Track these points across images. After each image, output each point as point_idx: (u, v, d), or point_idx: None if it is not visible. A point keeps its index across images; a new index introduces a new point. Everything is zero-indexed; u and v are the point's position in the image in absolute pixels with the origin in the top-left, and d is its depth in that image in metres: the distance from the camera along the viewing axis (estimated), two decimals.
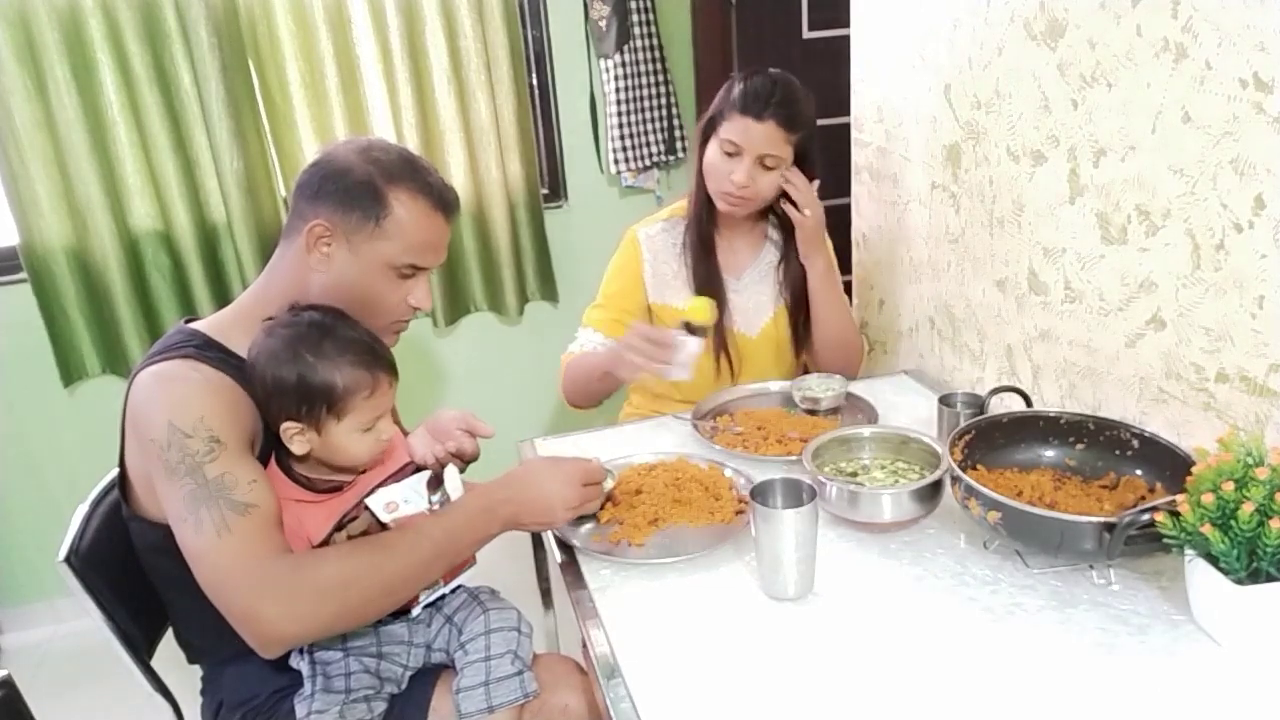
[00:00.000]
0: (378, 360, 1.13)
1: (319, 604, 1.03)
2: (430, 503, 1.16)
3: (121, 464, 1.19)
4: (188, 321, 1.22)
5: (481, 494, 1.17)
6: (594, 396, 1.70)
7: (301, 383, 1.07)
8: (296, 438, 1.10)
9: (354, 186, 1.16)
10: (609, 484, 1.33)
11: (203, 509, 1.02)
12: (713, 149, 1.64)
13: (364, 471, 1.18)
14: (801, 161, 1.64)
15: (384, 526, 1.12)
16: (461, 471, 1.25)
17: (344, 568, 1.05)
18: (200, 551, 1.03)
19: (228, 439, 1.06)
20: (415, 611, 1.20)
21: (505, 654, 1.15)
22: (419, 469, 1.24)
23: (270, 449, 1.15)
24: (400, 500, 1.14)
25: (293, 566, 1.03)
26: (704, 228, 1.72)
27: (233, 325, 1.19)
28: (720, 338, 1.74)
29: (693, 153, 1.72)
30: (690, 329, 1.44)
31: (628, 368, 1.49)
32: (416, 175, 1.20)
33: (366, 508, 1.13)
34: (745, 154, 1.60)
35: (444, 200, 1.22)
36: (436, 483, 1.19)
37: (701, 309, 1.45)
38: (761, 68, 1.64)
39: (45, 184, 2.22)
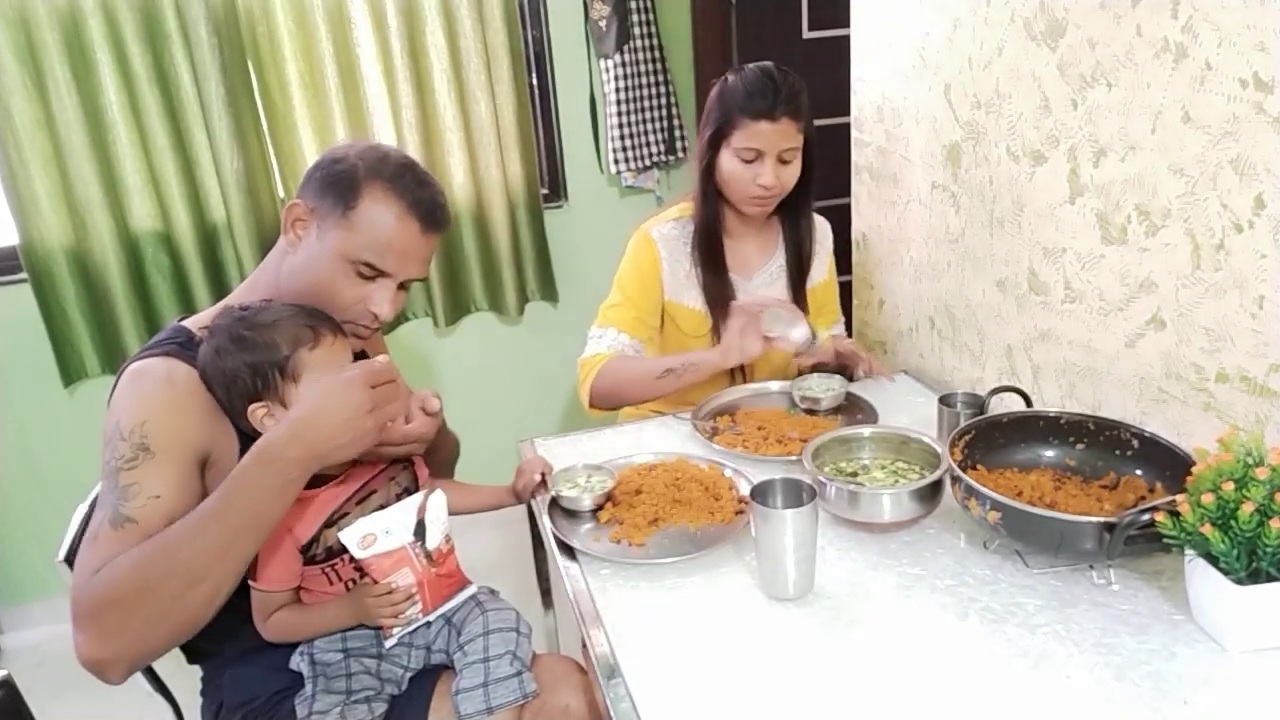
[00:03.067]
0: (312, 316, 1.13)
1: (124, 617, 0.97)
2: (414, 535, 1.12)
3: None
4: (182, 319, 1.22)
5: (262, 448, 1.00)
6: (636, 398, 1.69)
7: (249, 361, 1.08)
8: (266, 419, 1.09)
9: (337, 174, 1.17)
10: (609, 483, 1.32)
11: (97, 513, 1.02)
12: (728, 159, 1.63)
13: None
14: (807, 145, 1.65)
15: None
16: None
17: (134, 575, 0.98)
18: (77, 559, 1.02)
19: (160, 448, 1.05)
20: (389, 644, 1.17)
21: (504, 655, 1.15)
22: (411, 468, 1.24)
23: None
24: (380, 532, 1.10)
25: (91, 585, 0.98)
26: (713, 236, 1.72)
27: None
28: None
29: (693, 159, 1.72)
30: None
31: (743, 349, 1.55)
32: (402, 178, 1.17)
33: (340, 541, 1.09)
34: (766, 155, 1.60)
35: (424, 210, 1.18)
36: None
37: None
38: (747, 66, 1.64)
39: (45, 184, 2.22)
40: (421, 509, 1.14)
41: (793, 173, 1.65)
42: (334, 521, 1.12)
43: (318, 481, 1.13)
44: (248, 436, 1.13)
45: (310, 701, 1.12)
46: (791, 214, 1.78)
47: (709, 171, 1.68)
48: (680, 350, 1.77)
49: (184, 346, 1.15)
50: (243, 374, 1.08)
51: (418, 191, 1.18)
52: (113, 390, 1.13)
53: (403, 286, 1.22)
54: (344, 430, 1.00)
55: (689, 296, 1.75)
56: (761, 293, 1.79)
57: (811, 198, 1.76)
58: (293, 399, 1.08)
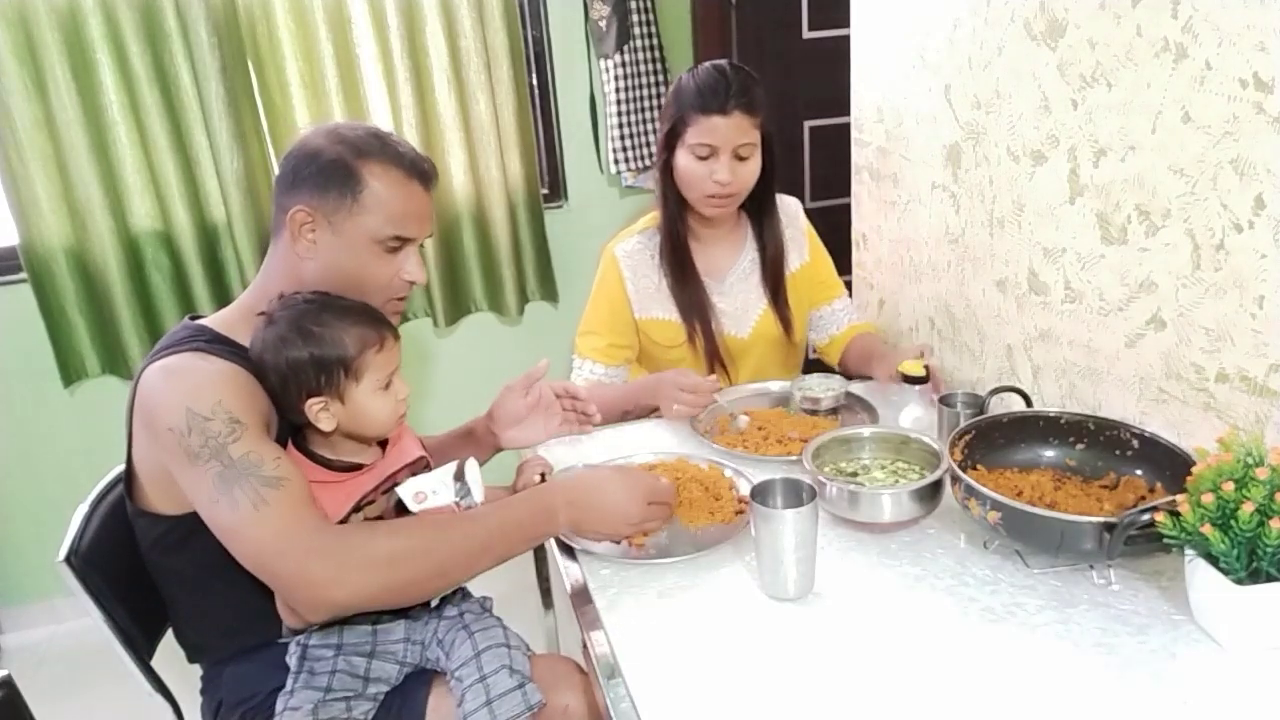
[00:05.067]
0: (378, 318, 1.16)
1: (368, 575, 1.03)
2: (456, 495, 1.18)
3: (128, 460, 1.19)
4: (193, 319, 1.22)
5: (546, 492, 1.18)
6: (618, 419, 1.68)
7: (315, 355, 1.10)
8: (322, 413, 1.11)
9: (326, 167, 1.17)
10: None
11: (235, 488, 1.03)
12: (684, 157, 1.61)
13: (383, 447, 1.20)
14: (766, 141, 1.63)
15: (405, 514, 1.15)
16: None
17: (395, 544, 1.06)
18: (238, 527, 1.03)
19: (247, 420, 1.07)
20: (435, 601, 1.21)
21: (500, 669, 1.14)
22: (428, 465, 1.25)
23: (286, 436, 1.16)
24: (429, 491, 1.16)
25: (342, 535, 1.05)
26: (678, 240, 1.70)
27: (237, 321, 1.20)
28: (711, 345, 1.72)
29: (655, 166, 1.70)
30: (908, 379, 1.50)
31: (669, 412, 1.56)
32: (386, 148, 1.20)
33: (397, 496, 1.15)
34: (721, 152, 1.58)
35: (418, 168, 1.22)
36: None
37: (916, 365, 1.51)
38: (701, 64, 1.63)
39: (45, 184, 2.22)
40: (460, 471, 1.19)
41: (750, 170, 1.63)
42: (361, 506, 1.15)
43: (349, 468, 1.16)
44: (281, 431, 1.16)
45: (289, 696, 1.13)
46: (756, 212, 1.75)
47: (667, 172, 1.66)
48: (657, 364, 1.78)
49: (210, 343, 1.15)
50: (306, 367, 1.10)
51: (404, 153, 1.21)
52: (137, 387, 1.12)
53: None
54: (607, 522, 1.18)
55: (660, 309, 1.73)
56: (737, 289, 1.76)
57: (774, 195, 1.74)
58: (351, 397, 1.12)
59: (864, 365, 1.72)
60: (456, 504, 1.17)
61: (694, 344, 1.72)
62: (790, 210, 1.82)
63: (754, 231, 1.78)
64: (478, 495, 1.20)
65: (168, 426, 1.06)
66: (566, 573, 1.20)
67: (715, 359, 1.73)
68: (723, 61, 1.62)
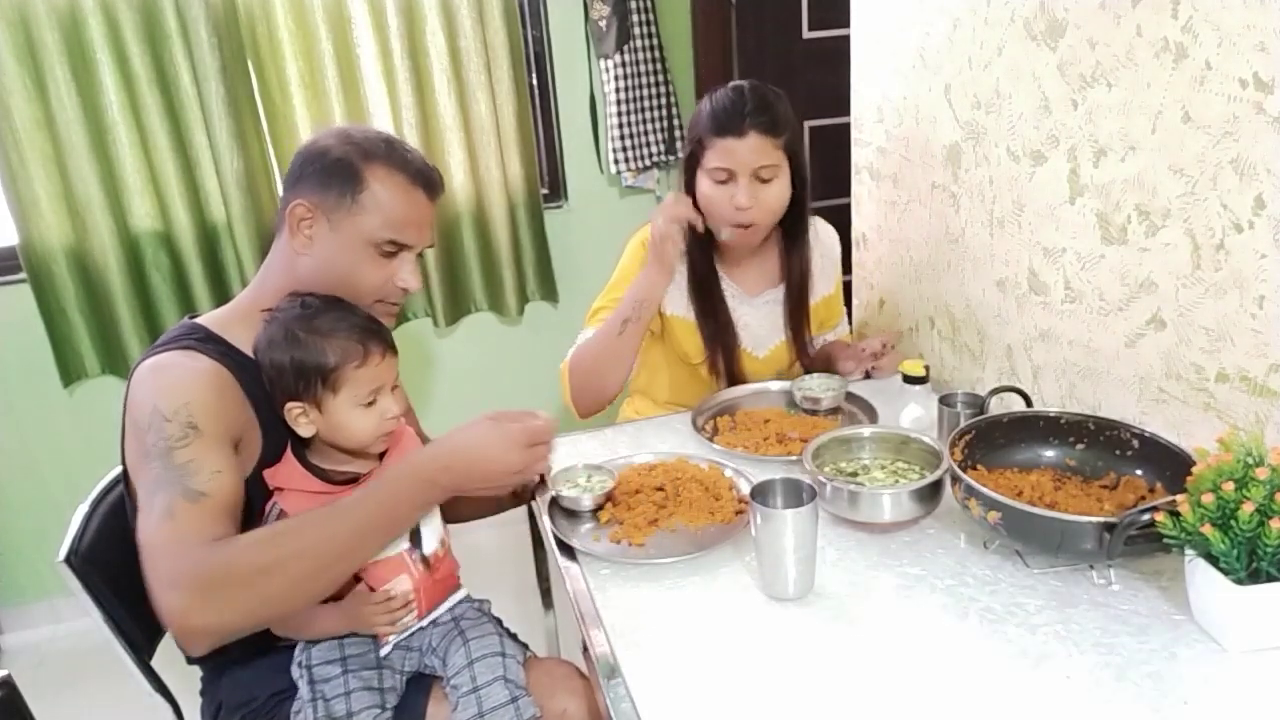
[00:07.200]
0: (369, 333, 1.13)
1: (236, 592, 0.98)
2: (409, 542, 1.16)
3: (124, 459, 1.19)
4: (192, 317, 1.22)
5: (418, 463, 1.08)
6: (613, 374, 1.59)
7: (295, 360, 1.09)
8: (300, 419, 1.11)
9: (331, 165, 1.17)
10: (609, 483, 1.32)
11: (159, 493, 1.01)
12: (704, 182, 1.56)
13: (380, 458, 1.18)
14: (793, 162, 1.58)
15: None
16: None
17: (262, 553, 1.00)
18: (143, 537, 1.01)
19: (206, 427, 1.06)
20: (384, 651, 1.18)
21: (493, 681, 1.13)
22: None
23: (283, 443, 1.16)
24: None
25: (207, 555, 0.98)
26: (702, 267, 1.66)
27: (233, 320, 1.20)
28: (731, 370, 1.70)
29: (679, 190, 1.65)
30: (908, 379, 1.49)
31: (670, 248, 1.51)
32: (394, 152, 1.20)
33: None
34: (739, 174, 1.52)
35: (423, 177, 1.22)
36: None
37: (916, 365, 1.50)
38: (722, 84, 1.58)
39: (45, 184, 2.22)
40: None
41: (774, 193, 1.56)
42: None
43: (346, 480, 1.15)
44: (270, 436, 1.15)
45: None
46: (786, 239, 1.70)
47: (690, 198, 1.60)
48: (682, 367, 1.75)
49: (202, 342, 1.15)
50: (287, 371, 1.09)
51: (411, 160, 1.21)
52: (128, 386, 1.13)
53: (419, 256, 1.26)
54: (490, 477, 1.09)
55: (679, 308, 1.70)
56: (766, 310, 1.74)
57: (805, 218, 1.68)
58: (328, 408, 1.10)
59: (825, 366, 1.75)
60: (409, 553, 1.15)
61: (713, 367, 1.70)
62: (826, 240, 1.79)
63: (781, 260, 1.73)
64: (430, 544, 1.17)
65: (136, 422, 1.07)
66: (566, 573, 1.20)
67: (732, 381, 1.71)
68: (744, 81, 1.56)
